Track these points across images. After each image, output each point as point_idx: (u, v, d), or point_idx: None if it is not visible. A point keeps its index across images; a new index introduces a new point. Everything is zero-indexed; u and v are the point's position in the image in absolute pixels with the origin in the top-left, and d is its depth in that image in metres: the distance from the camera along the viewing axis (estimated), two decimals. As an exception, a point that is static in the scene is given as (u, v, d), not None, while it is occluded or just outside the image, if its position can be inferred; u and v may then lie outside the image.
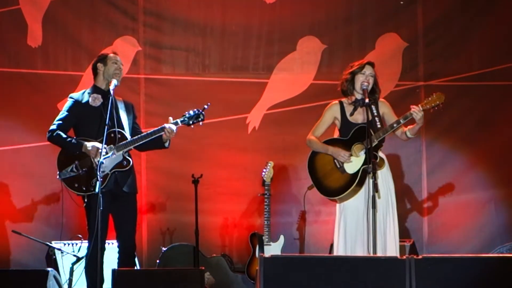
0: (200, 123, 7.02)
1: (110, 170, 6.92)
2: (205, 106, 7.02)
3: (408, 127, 7.12)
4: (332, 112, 7.30)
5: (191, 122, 7.01)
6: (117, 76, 7.09)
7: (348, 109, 7.23)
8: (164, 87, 9.48)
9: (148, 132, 7.00)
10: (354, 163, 7.11)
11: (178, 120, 7.01)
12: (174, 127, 6.95)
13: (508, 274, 5.76)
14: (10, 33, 9.34)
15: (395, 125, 7.05)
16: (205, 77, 9.50)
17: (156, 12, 9.50)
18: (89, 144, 6.90)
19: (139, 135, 7.01)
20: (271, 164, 8.78)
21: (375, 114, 7.13)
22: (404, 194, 9.27)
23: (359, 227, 7.05)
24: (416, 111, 6.95)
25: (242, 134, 9.48)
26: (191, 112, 7.01)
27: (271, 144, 9.42)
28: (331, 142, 7.27)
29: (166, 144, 7.10)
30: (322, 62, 9.47)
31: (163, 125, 6.97)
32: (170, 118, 7.03)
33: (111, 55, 7.19)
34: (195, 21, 9.51)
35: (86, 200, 6.95)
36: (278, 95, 9.49)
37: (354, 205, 7.10)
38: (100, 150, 6.77)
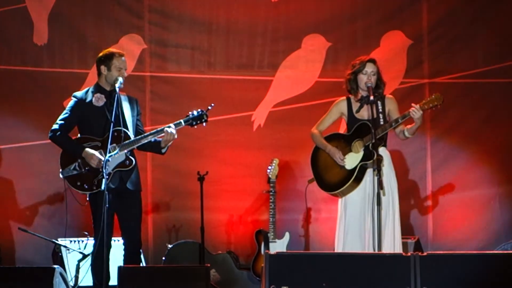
0: (204, 123, 6.99)
1: (113, 169, 6.91)
2: (209, 107, 7.01)
3: (407, 126, 7.14)
4: (339, 108, 7.33)
5: (194, 123, 6.97)
6: (120, 76, 7.02)
7: (355, 105, 7.26)
8: (169, 85, 9.50)
9: (150, 132, 7.00)
10: (353, 159, 7.12)
11: (182, 121, 6.98)
12: (174, 131, 6.91)
13: (513, 271, 5.79)
14: (16, 31, 9.37)
15: (393, 123, 7.08)
16: (210, 75, 9.51)
17: (161, 10, 9.51)
18: (90, 152, 6.90)
19: (141, 135, 7.02)
20: (276, 161, 8.79)
21: (380, 111, 7.15)
22: (408, 191, 9.27)
23: (360, 223, 7.06)
24: (415, 111, 6.95)
25: (247, 131, 9.49)
26: (195, 113, 6.99)
27: (276, 142, 9.43)
28: (334, 136, 7.34)
29: (163, 150, 7.09)
30: (327, 60, 9.47)
31: (163, 127, 6.94)
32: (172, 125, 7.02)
33: (116, 59, 7.04)
34: (200, 19, 9.52)
35: (88, 199, 6.98)
36: (283, 92, 9.50)
37: (355, 201, 7.11)
38: (100, 161, 6.80)
